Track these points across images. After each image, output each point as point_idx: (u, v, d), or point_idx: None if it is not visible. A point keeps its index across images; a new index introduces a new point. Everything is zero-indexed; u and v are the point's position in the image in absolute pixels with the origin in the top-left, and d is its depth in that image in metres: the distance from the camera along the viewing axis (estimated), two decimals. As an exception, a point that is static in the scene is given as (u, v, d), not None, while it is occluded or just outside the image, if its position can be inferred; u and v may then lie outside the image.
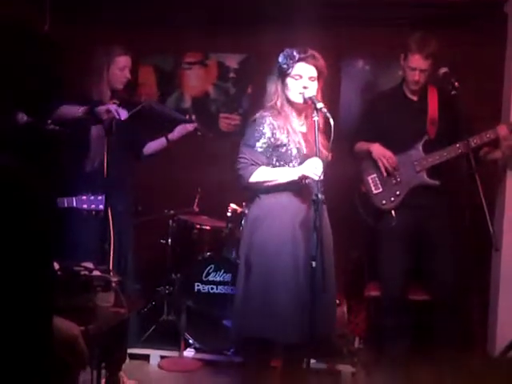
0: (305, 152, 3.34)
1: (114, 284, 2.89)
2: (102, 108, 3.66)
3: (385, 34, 4.92)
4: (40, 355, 1.61)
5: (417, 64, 3.86)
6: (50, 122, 3.60)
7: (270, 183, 3.32)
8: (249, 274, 3.33)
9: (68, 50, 4.90)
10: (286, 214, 3.34)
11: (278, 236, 3.31)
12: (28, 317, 1.56)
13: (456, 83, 3.74)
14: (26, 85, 4.37)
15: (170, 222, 4.64)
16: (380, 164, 3.92)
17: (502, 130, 3.76)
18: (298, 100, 3.33)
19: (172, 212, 4.63)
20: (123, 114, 3.72)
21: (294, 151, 3.33)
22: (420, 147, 3.93)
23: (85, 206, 3.47)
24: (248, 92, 5.34)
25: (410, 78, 3.94)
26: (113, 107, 3.65)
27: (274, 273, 3.27)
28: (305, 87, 3.30)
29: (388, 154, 3.92)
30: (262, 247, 3.32)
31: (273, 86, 3.42)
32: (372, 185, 3.98)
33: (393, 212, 3.91)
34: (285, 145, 3.33)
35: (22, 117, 3.52)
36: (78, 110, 3.73)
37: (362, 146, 4.05)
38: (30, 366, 1.59)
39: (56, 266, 2.95)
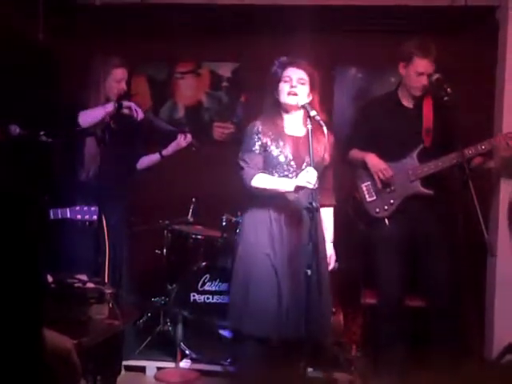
0: (290, 157, 3.41)
1: (108, 296, 2.88)
2: (126, 104, 3.78)
3: (378, 41, 4.92)
4: (30, 367, 1.60)
5: (425, 69, 3.83)
6: (42, 133, 3.61)
7: (268, 191, 3.40)
8: (239, 280, 3.43)
9: (61, 59, 4.97)
10: (278, 225, 3.41)
11: (267, 245, 3.40)
12: (17, 328, 1.55)
13: (448, 89, 3.73)
14: (20, 97, 4.39)
15: (165, 232, 4.62)
16: (375, 177, 3.91)
17: (498, 141, 3.76)
18: (289, 101, 3.40)
19: (166, 222, 4.62)
20: (140, 115, 3.83)
21: (281, 158, 3.42)
22: (415, 156, 3.91)
23: (78, 217, 3.47)
24: (241, 100, 5.34)
25: (415, 84, 3.89)
26: (133, 105, 3.69)
27: (263, 280, 3.37)
28: (292, 86, 3.38)
29: (383, 166, 3.90)
30: (252, 256, 3.41)
31: (267, 97, 3.53)
32: (366, 193, 3.97)
33: (386, 220, 3.91)
34: (271, 151, 3.42)
35: (15, 129, 3.53)
36: (104, 110, 3.76)
37: (356, 154, 4.03)
38: (20, 378, 1.58)
39: (49, 278, 2.95)
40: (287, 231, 3.42)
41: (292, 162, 3.41)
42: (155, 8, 4.92)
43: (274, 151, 3.42)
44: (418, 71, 3.86)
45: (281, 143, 3.42)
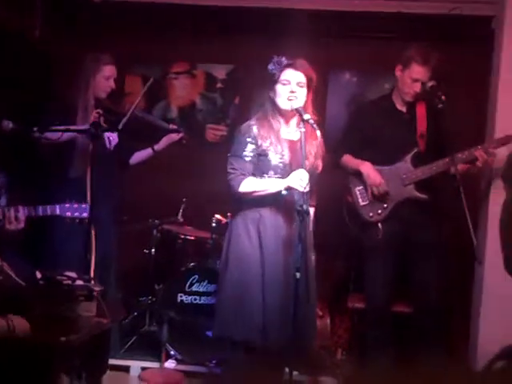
0: (287, 160, 3.37)
1: (96, 294, 2.87)
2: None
3: (372, 46, 4.96)
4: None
5: (421, 76, 3.85)
6: (35, 129, 3.60)
7: (258, 193, 3.35)
8: (227, 281, 3.39)
9: (57, 56, 4.96)
10: (267, 227, 3.37)
11: (253, 249, 3.37)
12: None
13: (443, 97, 3.76)
14: (13, 92, 4.38)
15: (154, 231, 4.61)
16: (369, 190, 3.91)
17: (478, 153, 3.77)
18: (286, 106, 3.35)
19: (156, 222, 4.61)
20: (114, 141, 3.83)
21: (276, 160, 3.37)
22: (409, 160, 3.92)
23: (68, 214, 3.44)
24: (235, 103, 5.34)
25: (408, 90, 3.92)
26: (106, 134, 3.73)
27: (249, 282, 3.33)
28: (292, 91, 3.32)
29: (378, 181, 3.88)
30: (239, 260, 3.38)
31: (263, 96, 3.47)
32: (359, 197, 3.98)
33: (379, 224, 3.91)
34: (266, 153, 3.36)
35: (8, 124, 3.52)
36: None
37: (351, 161, 4.01)
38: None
39: (38, 274, 2.94)
40: (277, 233, 3.39)
41: (287, 168, 3.35)
42: (153, 8, 4.92)
43: (272, 155, 3.36)
44: (414, 77, 3.87)
45: (279, 147, 3.36)
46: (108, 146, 3.78)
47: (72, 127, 3.77)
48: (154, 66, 5.33)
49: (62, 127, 3.72)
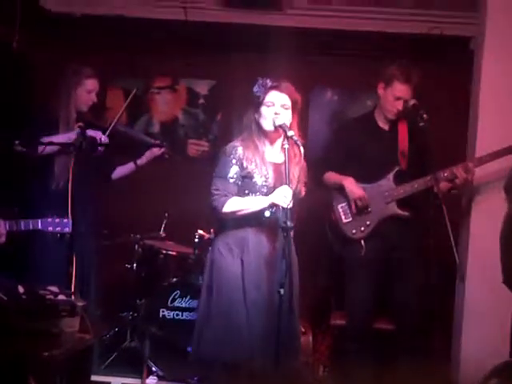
0: (272, 183, 3.37)
1: (79, 309, 2.85)
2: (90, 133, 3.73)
3: (354, 64, 5.01)
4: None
5: (403, 94, 3.89)
6: (17, 142, 3.57)
7: (242, 212, 3.34)
8: (209, 301, 3.37)
9: (37, 68, 4.94)
10: (249, 247, 3.37)
11: (236, 267, 3.35)
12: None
13: (425, 115, 3.79)
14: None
15: (136, 246, 4.58)
16: (352, 204, 3.93)
17: (458, 171, 3.82)
18: (270, 127, 3.35)
19: (138, 236, 4.58)
20: (104, 140, 3.81)
21: (260, 182, 3.37)
22: (391, 177, 3.96)
23: (50, 229, 3.42)
24: (217, 119, 5.36)
25: (390, 107, 3.96)
26: (98, 135, 3.71)
27: (231, 301, 3.32)
28: (276, 113, 3.33)
29: (361, 193, 3.91)
30: (221, 278, 3.36)
31: (248, 117, 3.46)
32: (342, 214, 3.99)
33: (362, 242, 3.93)
34: (252, 176, 3.36)
35: (-12, 138, 3.49)
36: (64, 138, 3.77)
37: (333, 177, 4.04)
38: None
39: (21, 289, 2.91)
40: (260, 252, 3.38)
41: (271, 191, 3.32)
42: (136, 22, 4.93)
43: (257, 178, 3.36)
44: (396, 95, 3.91)
45: (263, 170, 3.36)
46: (98, 141, 3.73)
47: (56, 140, 3.75)
48: (136, 81, 5.31)
49: (45, 140, 3.70)
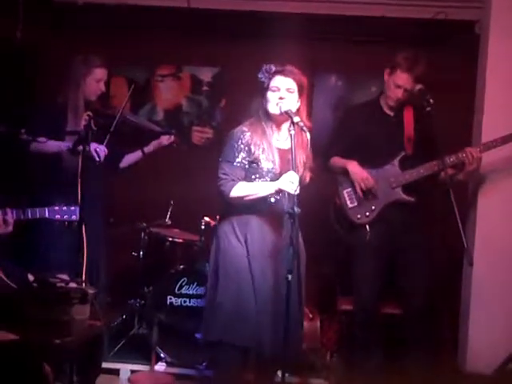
0: (278, 169, 3.37)
1: (90, 296, 2.86)
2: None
3: (358, 50, 4.99)
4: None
5: (403, 82, 3.89)
6: (23, 131, 3.56)
7: (249, 197, 3.34)
8: (217, 285, 3.38)
9: (42, 58, 4.93)
10: (254, 233, 3.38)
11: (242, 252, 3.37)
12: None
13: (431, 100, 3.79)
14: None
15: (142, 234, 4.59)
16: (357, 186, 3.94)
17: (471, 152, 3.83)
18: (276, 111, 3.35)
19: (144, 224, 4.58)
20: (102, 153, 3.77)
21: (267, 167, 3.37)
22: (396, 163, 3.96)
23: (57, 217, 3.41)
24: (221, 105, 5.35)
25: (391, 94, 3.97)
26: (93, 147, 3.65)
27: (241, 286, 3.33)
28: (281, 98, 3.33)
29: (365, 175, 3.92)
30: (228, 263, 3.37)
31: (255, 103, 3.47)
32: (347, 199, 4.00)
33: (367, 227, 3.93)
34: (259, 161, 3.36)
35: (-6, 126, 3.48)
36: (59, 147, 3.78)
37: (338, 161, 4.05)
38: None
39: (30, 277, 2.92)
40: (267, 236, 3.40)
41: (278, 177, 3.33)
42: (139, 10, 4.91)
43: (264, 163, 3.36)
44: (397, 83, 3.92)
45: (271, 155, 3.37)
46: (97, 159, 3.74)
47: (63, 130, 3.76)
48: (140, 69, 5.32)
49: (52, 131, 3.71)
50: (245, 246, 3.38)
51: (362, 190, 3.93)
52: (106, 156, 3.82)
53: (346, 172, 3.99)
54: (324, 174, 4.07)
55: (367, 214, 3.95)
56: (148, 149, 4.24)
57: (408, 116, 4.03)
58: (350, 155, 4.02)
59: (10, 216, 3.23)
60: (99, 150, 3.76)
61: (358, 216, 3.96)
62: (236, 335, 3.29)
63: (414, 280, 3.95)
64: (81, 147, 3.56)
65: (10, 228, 3.24)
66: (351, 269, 4.07)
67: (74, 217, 3.43)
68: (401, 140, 3.99)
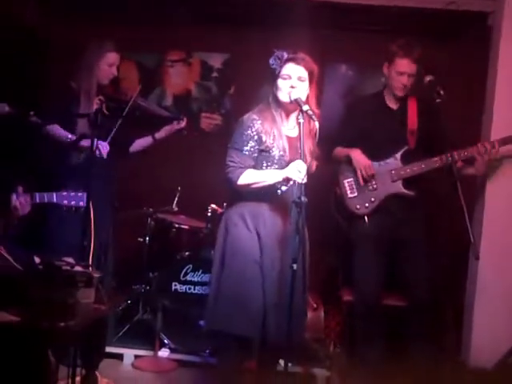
0: (288, 157, 3.35)
1: (95, 280, 2.86)
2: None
3: (369, 39, 4.96)
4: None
5: (405, 68, 3.90)
6: (32, 113, 3.56)
7: (256, 185, 3.31)
8: (221, 273, 3.35)
9: (55, 41, 4.92)
10: (265, 220, 3.35)
11: (251, 240, 3.34)
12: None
13: (441, 91, 3.79)
14: (10, 76, 4.33)
15: (149, 219, 4.59)
16: (358, 173, 3.94)
17: (481, 147, 3.81)
18: (286, 99, 3.32)
19: (151, 210, 4.58)
20: (104, 150, 3.78)
21: (277, 156, 3.34)
22: (399, 156, 3.97)
23: (65, 202, 3.41)
24: (230, 92, 5.33)
25: (396, 84, 3.96)
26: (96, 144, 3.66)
27: (245, 274, 3.30)
28: (292, 86, 3.29)
29: (367, 163, 3.94)
30: (236, 250, 3.34)
31: (265, 89, 3.42)
32: (348, 188, 4.01)
33: (366, 218, 3.94)
34: (269, 149, 3.33)
35: (4, 107, 3.47)
36: (66, 137, 3.79)
37: (341, 150, 4.07)
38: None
39: (37, 259, 2.92)
40: (274, 226, 3.37)
41: (287, 165, 3.29)
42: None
43: (275, 151, 3.34)
44: (399, 71, 3.92)
45: (281, 143, 3.34)
46: (98, 154, 3.74)
47: (74, 113, 3.76)
48: (150, 53, 5.31)
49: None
50: (256, 236, 3.35)
51: (362, 177, 3.92)
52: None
53: (348, 161, 4.00)
54: (328, 163, 4.06)
55: (366, 205, 3.96)
56: (159, 134, 4.21)
57: (412, 109, 4.02)
58: (353, 147, 4.02)
59: (24, 198, 3.23)
60: (101, 146, 3.76)
61: (358, 206, 3.97)
62: (238, 325, 3.26)
63: (416, 273, 3.95)
64: (85, 142, 3.56)
65: (27, 209, 3.23)
66: (351, 259, 4.07)
67: (81, 203, 3.42)
68: (404, 134, 3.99)
